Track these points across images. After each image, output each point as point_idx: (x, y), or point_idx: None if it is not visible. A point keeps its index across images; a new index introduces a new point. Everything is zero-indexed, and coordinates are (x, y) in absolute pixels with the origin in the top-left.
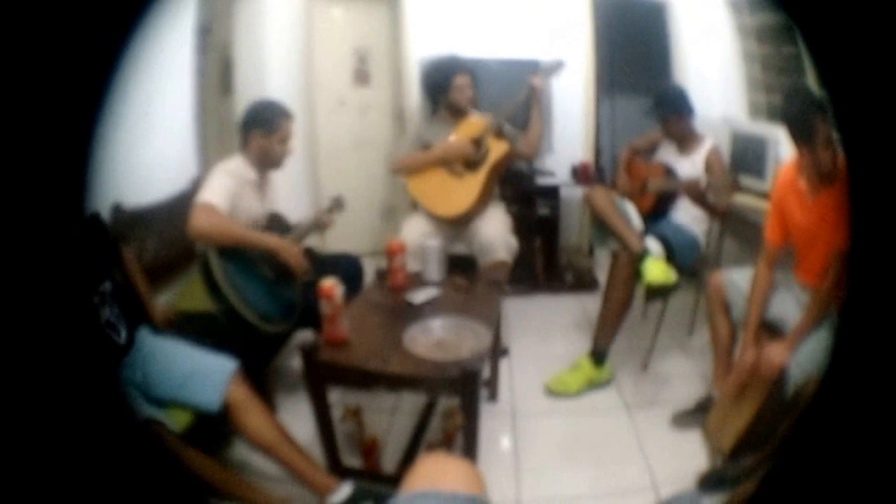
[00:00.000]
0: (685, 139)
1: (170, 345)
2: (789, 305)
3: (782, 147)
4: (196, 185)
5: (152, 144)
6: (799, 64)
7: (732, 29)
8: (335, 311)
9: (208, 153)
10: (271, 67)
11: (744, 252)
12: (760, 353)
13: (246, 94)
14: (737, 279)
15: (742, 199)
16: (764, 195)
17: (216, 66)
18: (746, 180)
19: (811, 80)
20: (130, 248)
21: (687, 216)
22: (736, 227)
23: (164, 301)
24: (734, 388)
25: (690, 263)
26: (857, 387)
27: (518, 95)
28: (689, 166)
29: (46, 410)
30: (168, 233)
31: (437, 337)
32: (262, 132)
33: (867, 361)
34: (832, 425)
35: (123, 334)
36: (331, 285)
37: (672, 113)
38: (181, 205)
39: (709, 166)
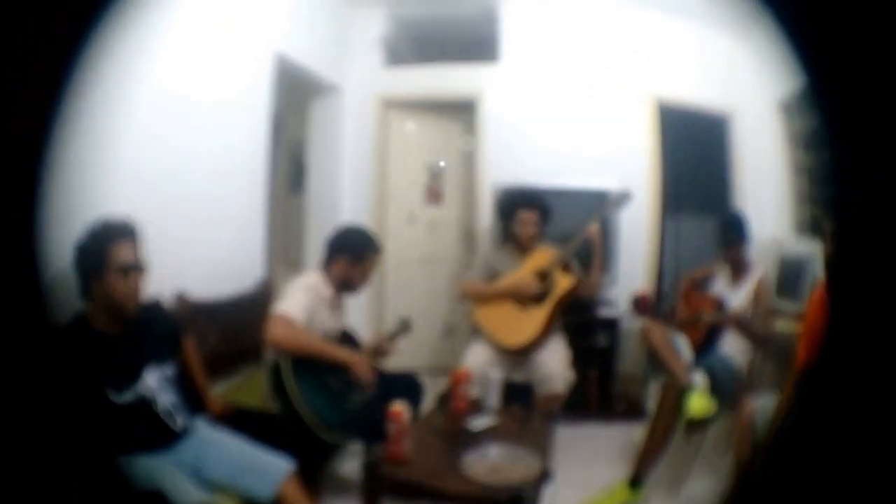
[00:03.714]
0: (740, 267)
1: (228, 435)
2: None
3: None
4: (261, 287)
5: (220, 236)
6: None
7: (785, 139)
8: (400, 432)
9: (273, 251)
10: (343, 173)
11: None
12: None
13: (318, 196)
14: (765, 402)
15: (783, 324)
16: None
17: (287, 161)
18: (789, 304)
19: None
20: (190, 338)
21: (732, 347)
22: (777, 351)
23: (217, 393)
24: None
25: (731, 392)
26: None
27: (583, 233)
28: (740, 298)
29: None
30: (230, 329)
31: (492, 462)
32: (348, 260)
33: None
34: None
35: (180, 422)
36: (400, 409)
37: (739, 239)
38: (245, 304)
39: (756, 297)
